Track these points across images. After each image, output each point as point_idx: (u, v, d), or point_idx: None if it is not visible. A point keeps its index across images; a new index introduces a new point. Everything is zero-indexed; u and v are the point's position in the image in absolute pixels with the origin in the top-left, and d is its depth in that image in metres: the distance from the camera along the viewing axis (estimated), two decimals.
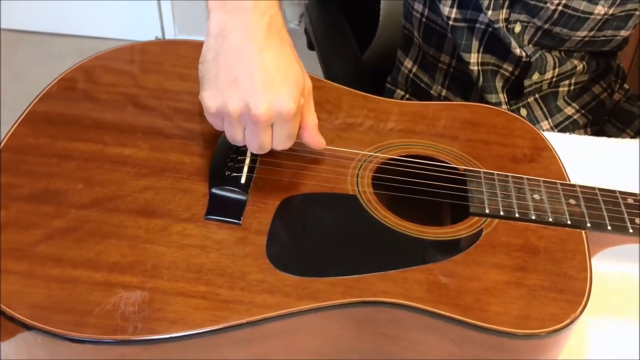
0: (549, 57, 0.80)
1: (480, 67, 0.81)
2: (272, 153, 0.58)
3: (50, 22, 1.98)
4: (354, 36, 0.96)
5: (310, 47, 1.04)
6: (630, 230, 0.56)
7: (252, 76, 0.52)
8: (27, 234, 0.51)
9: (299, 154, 0.61)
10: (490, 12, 0.76)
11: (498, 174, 0.60)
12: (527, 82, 0.81)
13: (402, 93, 0.91)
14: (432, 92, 0.87)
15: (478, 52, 0.80)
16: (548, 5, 0.75)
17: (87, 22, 1.96)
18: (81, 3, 1.91)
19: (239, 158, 0.59)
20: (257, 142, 0.55)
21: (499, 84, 0.83)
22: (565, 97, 0.87)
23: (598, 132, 0.90)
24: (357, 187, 0.59)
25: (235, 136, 0.55)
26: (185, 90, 0.66)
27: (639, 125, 0.88)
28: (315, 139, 0.59)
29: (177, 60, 0.69)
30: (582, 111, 0.88)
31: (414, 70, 0.88)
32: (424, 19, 0.82)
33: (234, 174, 0.58)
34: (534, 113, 0.85)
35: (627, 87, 0.93)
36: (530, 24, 0.77)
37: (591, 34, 0.78)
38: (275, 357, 0.53)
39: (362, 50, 0.96)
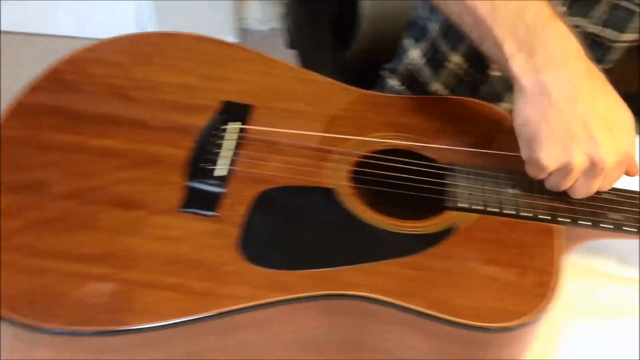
0: None
1: (492, 72, 0.80)
2: (254, 146, 0.59)
3: (47, 24, 2.00)
4: (335, 34, 0.96)
5: (290, 46, 1.04)
6: (603, 225, 0.56)
7: (589, 129, 0.52)
8: (4, 225, 0.52)
9: (279, 147, 0.61)
10: None
11: (475, 168, 0.60)
12: None
13: (398, 84, 0.90)
14: (430, 88, 0.86)
15: None
16: None
17: (83, 23, 1.98)
18: (78, 3, 1.93)
19: (218, 152, 0.60)
20: (591, 190, 0.56)
21: (504, 91, 0.82)
22: None
23: None
24: (336, 180, 0.59)
25: (566, 186, 0.56)
26: (173, 83, 0.66)
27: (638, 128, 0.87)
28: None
29: (177, 52, 0.69)
30: None
31: (419, 62, 0.87)
32: None
33: (212, 167, 0.58)
34: None
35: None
36: (580, 29, 0.75)
37: (637, 37, 0.76)
38: (255, 347, 0.53)
39: (345, 48, 0.96)
